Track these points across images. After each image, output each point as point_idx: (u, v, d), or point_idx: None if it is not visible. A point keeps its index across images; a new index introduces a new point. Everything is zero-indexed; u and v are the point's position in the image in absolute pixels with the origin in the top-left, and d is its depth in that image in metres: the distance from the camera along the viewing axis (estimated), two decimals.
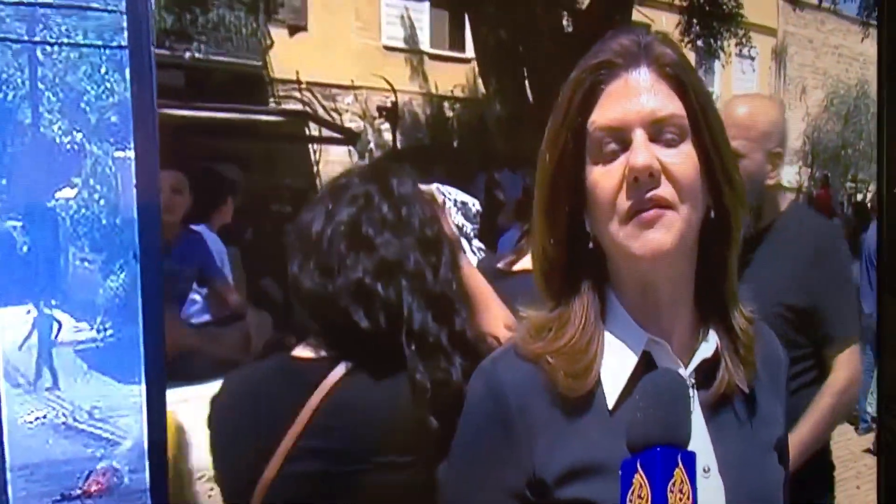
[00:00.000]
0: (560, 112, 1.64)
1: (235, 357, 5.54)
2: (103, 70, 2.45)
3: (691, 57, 20.95)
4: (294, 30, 21.65)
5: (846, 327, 3.65)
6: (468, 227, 4.32)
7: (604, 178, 1.57)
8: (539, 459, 1.59)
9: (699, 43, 16.43)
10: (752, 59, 29.09)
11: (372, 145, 19.03)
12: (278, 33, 21.17)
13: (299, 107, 21.06)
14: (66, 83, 2.42)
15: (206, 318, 5.99)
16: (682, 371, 1.63)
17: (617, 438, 1.49)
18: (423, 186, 4.32)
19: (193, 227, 6.03)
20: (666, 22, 18.21)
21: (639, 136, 1.55)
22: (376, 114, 20.09)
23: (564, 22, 14.19)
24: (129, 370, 2.48)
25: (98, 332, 2.45)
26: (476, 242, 4.37)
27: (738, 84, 29.98)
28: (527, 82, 14.09)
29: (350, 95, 21.43)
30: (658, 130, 1.57)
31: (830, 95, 28.19)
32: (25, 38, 2.40)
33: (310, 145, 20.85)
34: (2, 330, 2.39)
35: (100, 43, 2.44)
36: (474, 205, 4.47)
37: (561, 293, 1.68)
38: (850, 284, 3.92)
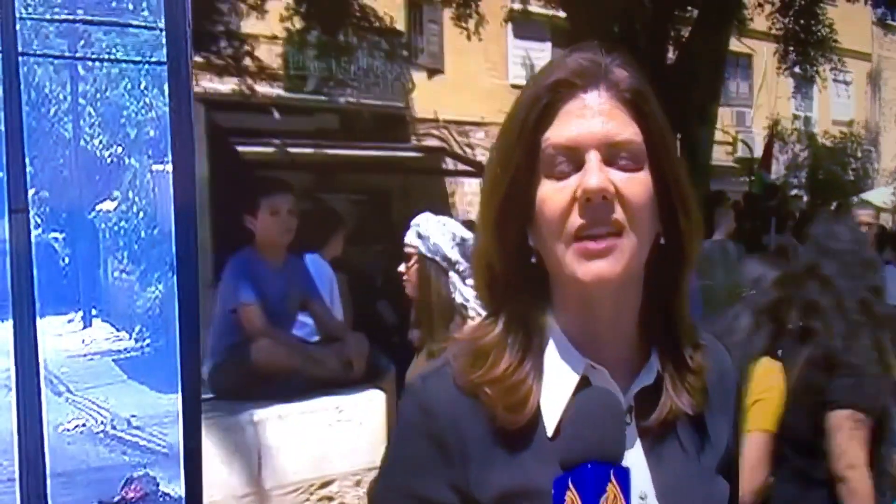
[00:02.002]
0: (515, 127, 1.46)
1: (331, 376, 5.38)
2: (142, 85, 2.30)
3: (789, 83, 20.53)
4: (432, 73, 21.84)
5: None
6: (462, 265, 4.10)
7: (555, 194, 1.41)
8: (474, 480, 1.44)
9: (796, 69, 15.99)
10: (848, 83, 28.37)
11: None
12: (418, 77, 21.36)
13: (437, 143, 21.20)
14: (106, 98, 2.28)
15: (315, 338, 5.88)
16: (619, 397, 1.45)
17: (555, 464, 1.35)
18: (431, 217, 4.11)
19: (306, 254, 6.00)
20: (766, 52, 17.83)
21: (593, 158, 1.39)
22: None
23: (669, 55, 13.84)
24: (166, 380, 2.30)
25: (136, 341, 2.31)
26: (471, 281, 4.04)
27: (835, 108, 29.34)
28: None
29: (481, 131, 21.48)
30: (613, 154, 1.41)
31: None
32: (67, 54, 2.26)
33: (445, 178, 20.97)
34: (43, 339, 2.21)
35: (139, 59, 2.29)
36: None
37: (503, 308, 1.50)
38: None
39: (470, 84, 21.21)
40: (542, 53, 22.52)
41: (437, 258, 4.03)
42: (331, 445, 5.16)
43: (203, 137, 8.20)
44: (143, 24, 2.28)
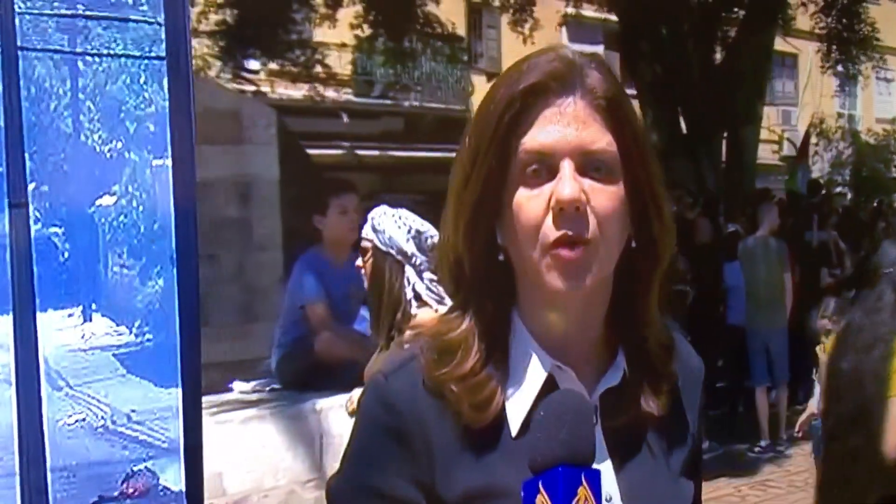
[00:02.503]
0: (488, 128, 1.40)
1: None
2: (142, 80, 2.19)
3: (832, 82, 20.16)
4: (491, 76, 21.72)
5: None
6: (419, 259, 3.92)
7: (529, 202, 1.37)
8: (439, 477, 1.38)
9: (839, 68, 15.69)
10: (889, 81, 27.83)
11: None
12: (478, 80, 21.31)
13: None
14: (106, 93, 2.16)
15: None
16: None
17: (520, 464, 1.31)
18: (387, 210, 3.95)
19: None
20: (811, 51, 17.49)
21: (566, 167, 1.35)
22: None
23: (717, 55, 13.63)
24: (167, 374, 2.20)
25: (136, 336, 2.19)
26: (428, 275, 3.91)
27: (878, 106, 28.82)
28: (680, 115, 13.56)
29: None
30: (587, 163, 1.36)
31: None
32: (67, 48, 2.15)
33: None
34: (43, 333, 2.11)
35: (139, 54, 2.19)
36: (431, 237, 4.03)
37: (469, 305, 1.45)
38: None
39: None
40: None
41: (393, 251, 3.88)
42: None
43: (275, 141, 8.17)
44: (142, 18, 2.18)
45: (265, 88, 18.79)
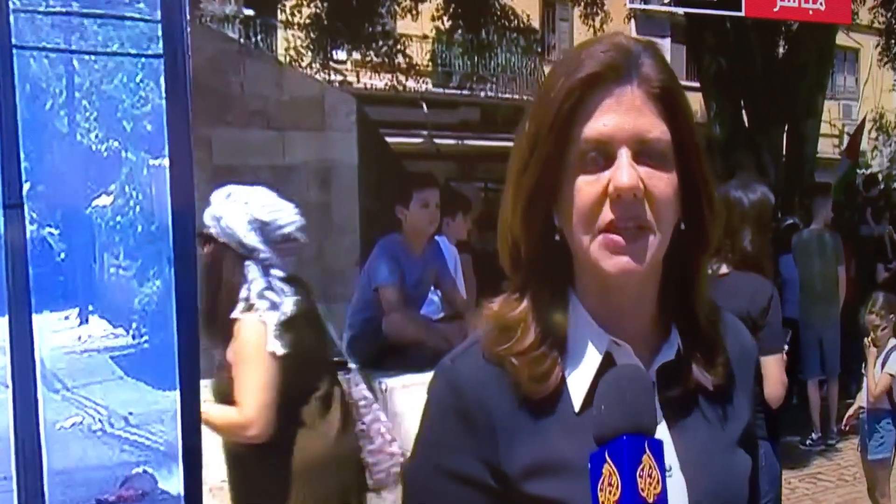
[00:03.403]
0: (547, 117, 1.35)
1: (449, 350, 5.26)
2: (138, 79, 2.06)
3: (892, 76, 19.51)
4: None
5: None
6: (264, 253, 3.25)
7: (586, 187, 1.34)
8: (502, 454, 1.37)
9: None
10: None
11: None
12: None
13: None
14: (102, 92, 2.03)
15: (440, 315, 5.90)
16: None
17: (581, 439, 1.30)
18: (236, 191, 3.21)
19: (435, 236, 5.88)
20: (871, 46, 16.92)
21: (624, 155, 1.32)
22: None
23: (779, 48, 13.18)
24: (164, 376, 2.05)
25: (133, 338, 2.07)
26: (277, 272, 3.25)
27: None
28: (743, 108, 13.15)
29: None
30: (643, 151, 1.33)
31: None
32: (63, 46, 2.01)
33: None
34: (40, 335, 1.97)
35: (135, 52, 2.04)
36: (281, 228, 3.35)
37: (528, 285, 1.43)
38: None
39: None
40: (663, 48, 22.00)
41: (232, 244, 3.22)
42: None
43: (354, 128, 8.10)
44: (139, 16, 2.03)
45: (351, 78, 18.75)
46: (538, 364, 1.38)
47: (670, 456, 1.38)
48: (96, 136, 1.99)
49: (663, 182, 1.34)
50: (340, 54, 17.84)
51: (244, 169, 6.88)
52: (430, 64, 20.65)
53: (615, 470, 1.24)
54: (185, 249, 2.02)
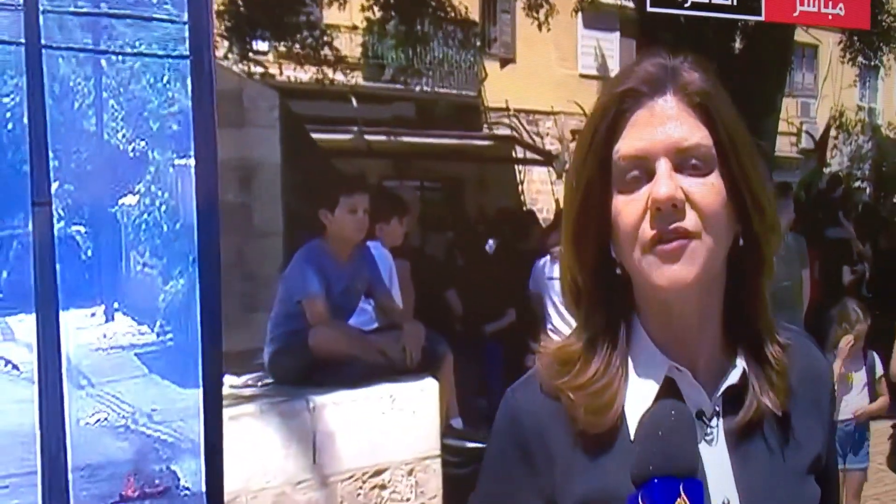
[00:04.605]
0: (586, 140, 1.42)
1: (388, 364, 5.30)
2: (165, 79, 2.24)
3: (852, 73, 20.03)
4: (504, 62, 21.66)
5: None
6: None
7: (627, 206, 1.38)
8: (558, 487, 1.42)
9: (860, 59, 15.56)
10: None
11: (567, 166, 18.83)
12: (491, 66, 21.21)
13: (508, 132, 21.07)
14: (129, 92, 2.22)
15: (373, 326, 5.80)
16: (704, 399, 1.43)
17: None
18: None
19: (367, 241, 5.84)
20: (832, 43, 17.37)
21: (662, 166, 1.35)
22: (570, 136, 19.93)
23: (736, 44, 13.50)
24: (188, 374, 2.24)
25: (158, 335, 2.25)
26: None
27: None
28: None
29: (550, 120, 21.32)
30: (683, 160, 1.36)
31: None
32: (91, 47, 2.18)
33: (516, 166, 20.84)
34: (66, 332, 2.15)
35: (162, 53, 2.22)
36: None
37: (589, 319, 1.47)
38: None
39: (541, 73, 20.99)
40: (611, 43, 22.29)
41: None
42: (384, 434, 5.06)
43: (277, 124, 8.13)
44: (166, 17, 2.21)
45: (273, 71, 18.73)
46: (597, 398, 1.41)
47: (729, 487, 1.41)
48: (123, 136, 2.16)
49: (707, 188, 1.36)
50: (261, 45, 17.82)
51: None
52: (361, 56, 20.69)
53: None
54: (209, 248, 2.19)
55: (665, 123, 1.37)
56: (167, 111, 2.19)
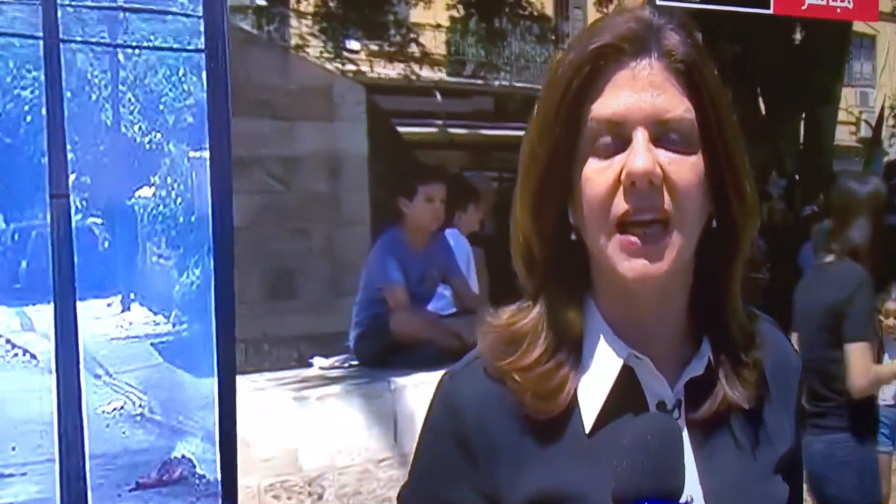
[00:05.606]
0: (555, 97, 1.16)
1: (463, 347, 5.22)
2: (181, 72, 2.13)
3: None
4: None
5: None
6: None
7: (598, 175, 1.15)
8: (502, 484, 1.20)
9: None
10: None
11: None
12: None
13: None
14: (145, 85, 2.11)
15: (451, 311, 5.72)
16: (665, 389, 1.22)
17: (595, 464, 1.15)
18: None
19: (445, 229, 5.76)
20: (889, 32, 16.85)
21: (640, 136, 1.13)
22: None
23: (796, 35, 13.13)
24: (202, 363, 2.12)
25: (173, 325, 2.15)
26: None
27: None
28: (759, 95, 13.15)
29: None
30: (662, 132, 1.14)
31: None
32: (108, 41, 2.07)
33: None
34: (83, 322, 2.05)
35: (178, 46, 2.10)
36: None
37: (542, 292, 1.25)
38: None
39: None
40: None
41: None
42: None
43: (364, 118, 8.07)
44: (181, 11, 2.10)
45: (364, 68, 18.77)
46: (545, 380, 1.22)
47: (692, 486, 1.21)
48: (140, 129, 2.06)
49: (686, 167, 1.16)
50: (353, 44, 17.86)
51: (251, 160, 6.84)
52: (444, 53, 20.67)
53: None
54: (224, 239, 2.08)
55: (646, 90, 1.15)
56: (183, 104, 2.09)
